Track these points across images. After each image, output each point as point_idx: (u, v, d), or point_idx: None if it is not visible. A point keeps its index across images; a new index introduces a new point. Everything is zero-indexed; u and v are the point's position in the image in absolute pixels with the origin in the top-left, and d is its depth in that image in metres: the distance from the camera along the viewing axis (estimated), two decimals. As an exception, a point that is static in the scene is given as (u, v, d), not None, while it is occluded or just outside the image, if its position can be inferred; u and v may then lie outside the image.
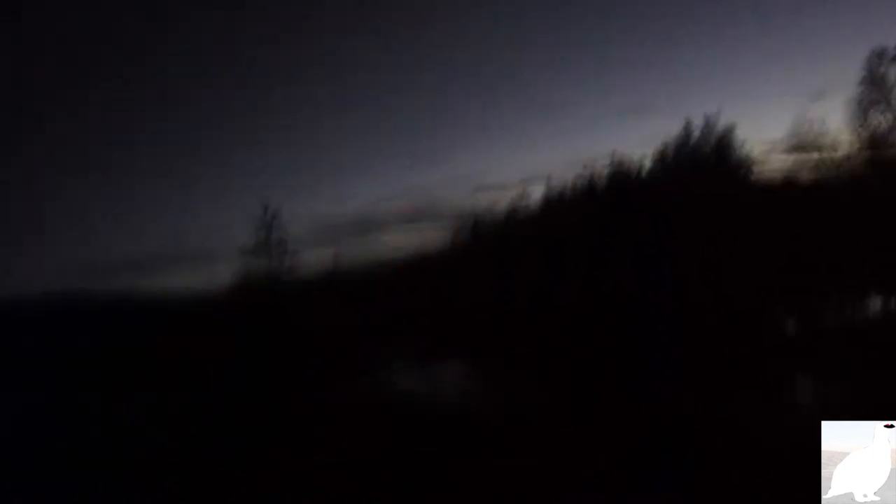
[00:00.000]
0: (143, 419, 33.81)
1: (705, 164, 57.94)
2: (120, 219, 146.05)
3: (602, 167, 66.33)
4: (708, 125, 58.14)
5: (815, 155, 48.40)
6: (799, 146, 49.74)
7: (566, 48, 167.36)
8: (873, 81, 44.12)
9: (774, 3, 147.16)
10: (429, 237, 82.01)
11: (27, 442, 29.69)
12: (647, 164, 63.92)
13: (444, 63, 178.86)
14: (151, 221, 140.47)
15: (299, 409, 37.05)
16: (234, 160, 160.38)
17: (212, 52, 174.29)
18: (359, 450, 24.08)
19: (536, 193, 72.52)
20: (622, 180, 65.06)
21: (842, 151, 47.24)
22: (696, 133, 59.43)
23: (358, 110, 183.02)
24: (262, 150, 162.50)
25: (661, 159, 62.82)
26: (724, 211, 49.68)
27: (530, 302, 54.59)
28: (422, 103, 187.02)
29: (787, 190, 52.19)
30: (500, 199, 74.99)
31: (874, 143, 44.31)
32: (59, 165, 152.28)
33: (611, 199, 62.14)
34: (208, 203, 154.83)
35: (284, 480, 20.67)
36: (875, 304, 43.49)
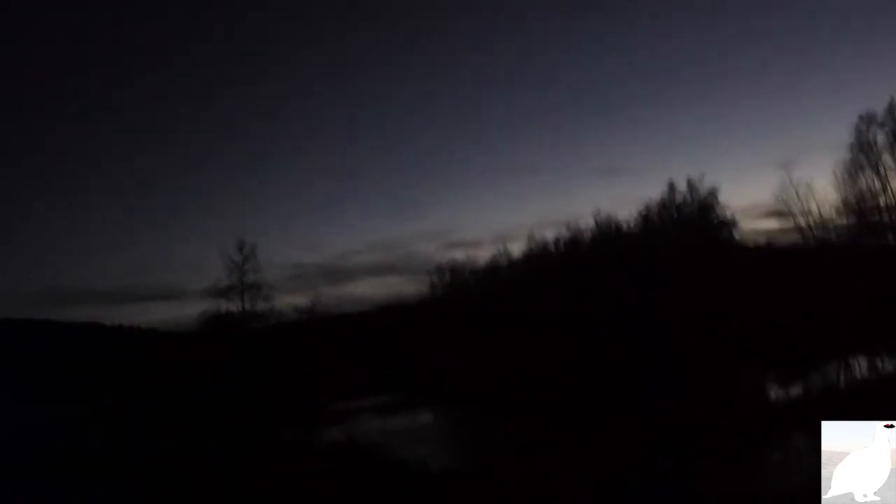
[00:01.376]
0: (96, 455, 32.78)
1: (689, 224, 59.25)
2: (87, 250, 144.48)
3: (585, 226, 67.46)
4: (691, 187, 59.69)
5: (801, 218, 49.61)
6: (783, 210, 51.01)
7: (544, 108, 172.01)
8: (861, 147, 45.40)
9: (757, 66, 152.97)
10: (401, 289, 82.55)
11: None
12: (631, 223, 65.21)
13: (422, 118, 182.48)
14: (121, 255, 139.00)
15: (264, 457, 36.21)
16: (209, 202, 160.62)
17: (192, 95, 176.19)
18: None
19: (515, 250, 73.28)
20: (606, 238, 66.09)
21: (828, 214, 48.49)
22: (679, 195, 60.93)
23: (334, 160, 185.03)
24: (238, 194, 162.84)
25: (645, 220, 64.09)
26: (709, 270, 50.63)
27: (508, 353, 54.46)
28: (399, 156, 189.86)
29: (770, 251, 53.36)
30: (474, 255, 75.72)
31: (862, 206, 45.47)
32: (26, 193, 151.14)
33: (595, 256, 62.98)
34: (181, 242, 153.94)
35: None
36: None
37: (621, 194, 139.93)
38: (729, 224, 58.10)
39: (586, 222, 67.58)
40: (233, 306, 52.77)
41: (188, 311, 55.19)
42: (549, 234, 70.60)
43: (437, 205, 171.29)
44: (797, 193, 49.48)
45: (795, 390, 35.08)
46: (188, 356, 48.77)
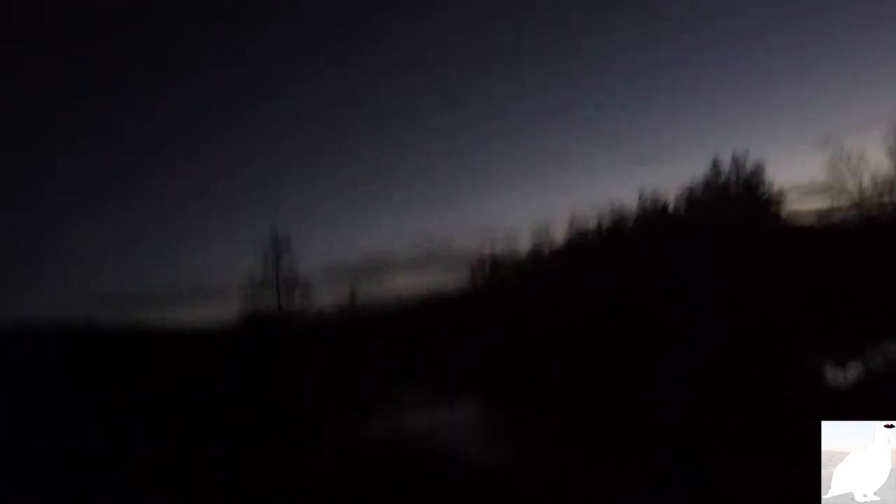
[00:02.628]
0: (145, 455, 34.27)
1: (734, 203, 58.33)
2: (127, 252, 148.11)
3: (628, 208, 66.68)
4: (736, 164, 58.62)
5: (853, 190, 48.39)
6: (833, 184, 49.72)
7: (580, 96, 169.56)
8: None
9: (794, 38, 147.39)
10: (442, 280, 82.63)
11: (32, 476, 30.43)
12: (674, 204, 64.34)
13: (459, 108, 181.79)
14: (161, 256, 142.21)
15: (306, 450, 37.32)
16: (246, 198, 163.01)
17: (224, 90, 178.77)
18: (367, 493, 24.25)
19: (557, 235, 72.63)
20: (650, 220, 65.39)
21: (882, 187, 47.23)
22: (724, 174, 59.88)
23: (369, 157, 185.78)
24: (275, 190, 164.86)
25: (688, 200, 63.23)
26: (755, 249, 49.94)
27: (552, 342, 54.49)
28: (433, 150, 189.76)
29: (822, 227, 52.29)
30: (514, 246, 75.22)
31: None
32: (65, 199, 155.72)
33: (639, 238, 62.46)
34: (219, 239, 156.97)
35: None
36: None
37: (662, 179, 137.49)
38: (776, 201, 57.09)
39: (629, 205, 66.66)
40: (271, 302, 53.59)
41: (231, 310, 56.52)
42: (591, 222, 69.68)
43: (475, 197, 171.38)
44: (848, 164, 48.19)
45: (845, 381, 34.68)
46: (227, 355, 50.06)
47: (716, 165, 59.64)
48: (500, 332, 60.47)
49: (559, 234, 71.88)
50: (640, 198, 65.44)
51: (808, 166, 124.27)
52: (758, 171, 57.30)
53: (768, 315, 46.69)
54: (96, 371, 45.32)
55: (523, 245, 74.26)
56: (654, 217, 64.36)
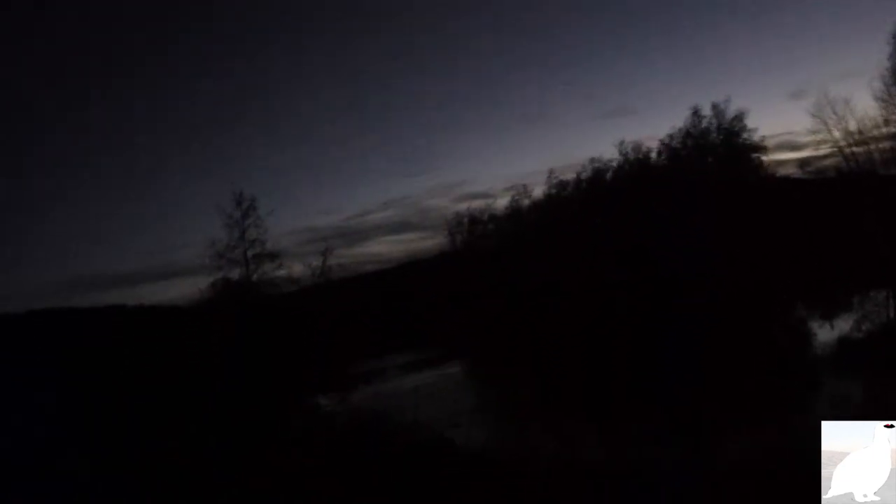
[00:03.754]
0: (130, 437, 34.17)
1: (715, 152, 58.35)
2: (102, 235, 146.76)
3: (608, 161, 66.25)
4: (717, 113, 58.37)
5: (838, 137, 48.09)
6: (819, 131, 49.35)
7: (553, 54, 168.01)
8: None
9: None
10: (418, 245, 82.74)
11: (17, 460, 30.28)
12: (655, 155, 64.01)
13: (429, 74, 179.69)
14: (136, 237, 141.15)
15: (288, 421, 37.37)
16: (218, 172, 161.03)
17: (195, 64, 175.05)
18: (350, 468, 24.26)
19: (536, 191, 72.24)
20: (630, 172, 65.17)
21: (869, 133, 47.05)
22: (704, 123, 59.61)
23: (342, 122, 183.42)
24: (247, 162, 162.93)
25: (669, 149, 62.97)
26: (738, 197, 50.21)
27: (535, 302, 54.80)
28: (405, 112, 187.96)
29: (807, 175, 52.51)
30: (491, 205, 74.78)
31: None
32: (37, 186, 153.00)
33: (620, 191, 62.34)
34: (189, 211, 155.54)
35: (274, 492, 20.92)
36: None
37: (641, 130, 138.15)
38: (759, 148, 57.18)
39: (609, 158, 66.13)
40: (239, 269, 52.64)
41: (205, 283, 55.78)
42: (571, 176, 69.20)
43: (449, 158, 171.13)
44: (834, 111, 47.63)
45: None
46: (205, 329, 49.61)
47: (696, 115, 59.34)
48: (481, 291, 60.75)
49: (538, 190, 71.55)
50: (620, 150, 64.89)
51: (790, 115, 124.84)
52: (738, 119, 57.18)
53: (753, 262, 47.26)
54: (73, 352, 44.95)
55: (501, 203, 74.01)
56: (634, 169, 64.11)
